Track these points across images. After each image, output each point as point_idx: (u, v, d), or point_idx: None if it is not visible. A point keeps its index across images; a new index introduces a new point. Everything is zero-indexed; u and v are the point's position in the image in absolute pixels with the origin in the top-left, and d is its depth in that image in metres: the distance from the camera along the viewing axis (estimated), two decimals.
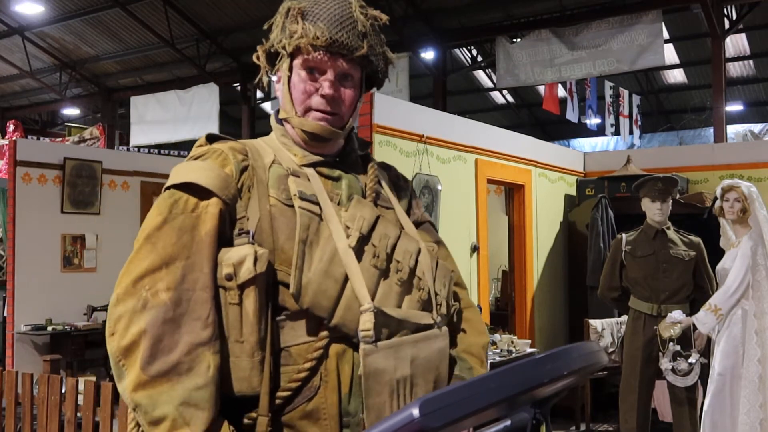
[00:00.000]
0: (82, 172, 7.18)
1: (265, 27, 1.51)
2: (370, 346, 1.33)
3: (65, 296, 6.91)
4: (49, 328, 6.63)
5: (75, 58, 14.87)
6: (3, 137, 10.96)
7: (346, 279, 1.36)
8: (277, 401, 1.32)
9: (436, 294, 1.47)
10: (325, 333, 1.35)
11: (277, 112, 1.54)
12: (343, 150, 1.54)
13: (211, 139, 1.48)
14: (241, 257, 1.31)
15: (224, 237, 1.35)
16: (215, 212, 1.34)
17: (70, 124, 15.45)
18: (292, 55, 1.46)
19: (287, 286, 1.34)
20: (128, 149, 13.76)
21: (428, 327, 1.43)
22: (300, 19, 1.43)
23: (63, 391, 3.55)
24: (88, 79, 15.43)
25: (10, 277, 6.63)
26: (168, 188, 1.38)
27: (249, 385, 1.30)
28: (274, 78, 1.57)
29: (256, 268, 1.30)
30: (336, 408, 1.34)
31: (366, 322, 1.33)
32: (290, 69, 1.47)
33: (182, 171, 1.39)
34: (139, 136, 13.99)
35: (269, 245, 1.35)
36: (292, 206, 1.39)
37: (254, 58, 1.52)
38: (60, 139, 13.79)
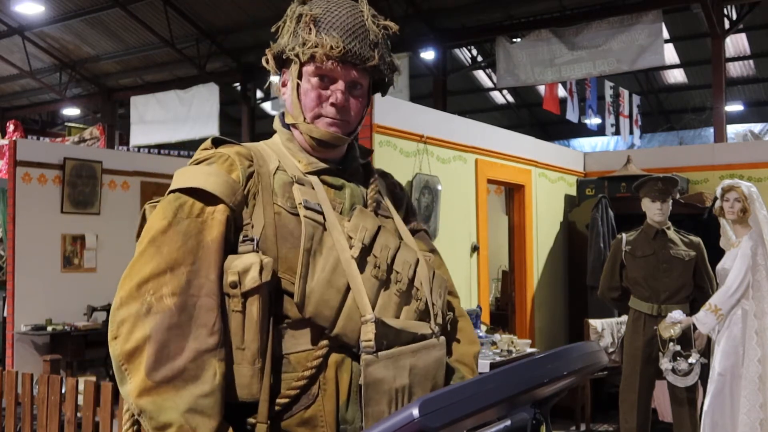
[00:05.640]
0: (82, 172, 7.18)
1: (273, 29, 1.51)
2: (371, 357, 1.34)
3: (65, 296, 6.91)
4: (49, 328, 6.63)
5: (75, 58, 14.86)
6: (3, 137, 10.94)
7: (348, 289, 1.37)
8: (276, 408, 1.34)
9: (433, 304, 1.49)
10: (324, 342, 1.36)
11: (283, 115, 1.54)
12: (345, 157, 1.55)
13: (216, 142, 1.48)
14: (247, 266, 1.31)
15: (228, 243, 1.35)
16: (222, 219, 1.34)
17: (70, 124, 15.43)
18: (303, 62, 1.45)
19: (290, 294, 1.35)
20: (128, 149, 13.76)
21: (426, 337, 1.45)
22: (313, 26, 1.43)
23: (63, 391, 3.54)
24: (88, 79, 15.43)
25: (10, 277, 6.64)
26: (173, 191, 1.38)
27: (249, 392, 1.31)
28: (274, 79, 1.57)
29: (261, 277, 1.31)
30: (333, 416, 1.35)
31: (367, 333, 1.35)
32: (299, 75, 1.46)
33: (188, 175, 1.39)
34: (139, 136, 13.98)
35: (273, 253, 1.36)
36: (297, 215, 1.39)
37: (263, 62, 1.52)
38: (60, 139, 13.77)
